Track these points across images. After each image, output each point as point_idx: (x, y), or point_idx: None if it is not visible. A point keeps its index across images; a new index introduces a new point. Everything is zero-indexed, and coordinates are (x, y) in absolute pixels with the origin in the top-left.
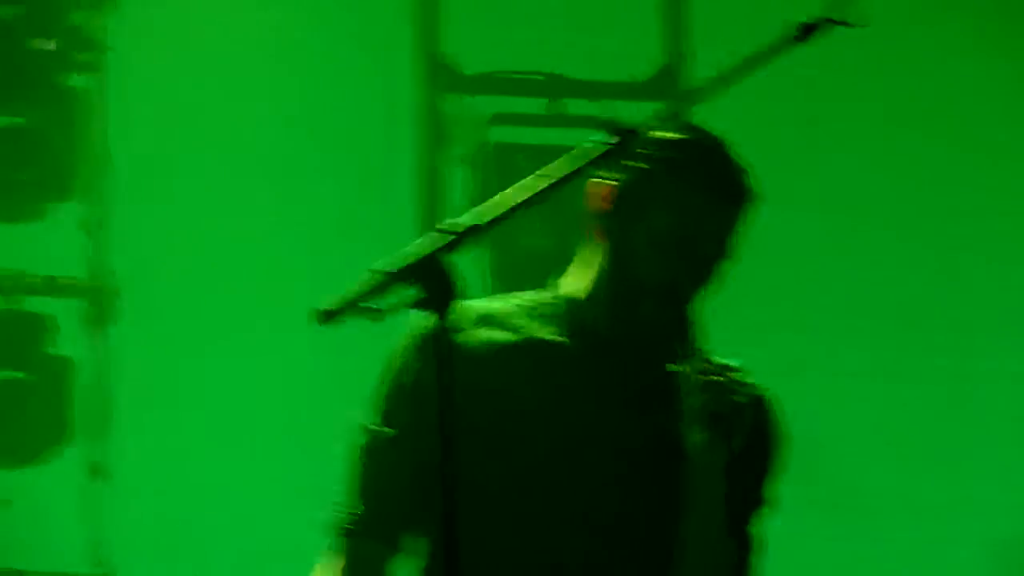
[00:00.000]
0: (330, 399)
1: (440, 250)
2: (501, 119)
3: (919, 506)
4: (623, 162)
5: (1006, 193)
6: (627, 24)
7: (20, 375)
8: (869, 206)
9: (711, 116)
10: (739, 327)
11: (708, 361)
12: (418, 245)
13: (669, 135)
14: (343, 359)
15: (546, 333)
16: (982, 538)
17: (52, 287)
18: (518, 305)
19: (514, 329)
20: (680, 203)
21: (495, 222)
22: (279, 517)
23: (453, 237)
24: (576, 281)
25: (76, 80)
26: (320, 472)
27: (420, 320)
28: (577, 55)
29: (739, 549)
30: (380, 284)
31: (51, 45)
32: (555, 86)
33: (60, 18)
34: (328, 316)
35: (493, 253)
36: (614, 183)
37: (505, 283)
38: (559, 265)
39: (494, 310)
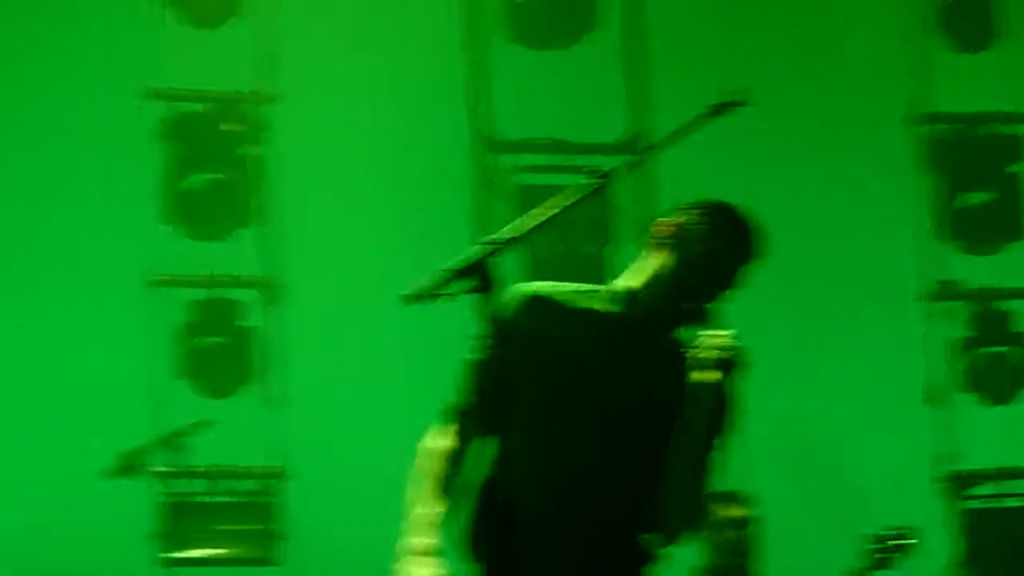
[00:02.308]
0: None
1: (485, 256)
2: (524, 169)
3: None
4: (687, 215)
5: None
6: (606, 105)
7: (220, 339)
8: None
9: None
10: None
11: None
12: (472, 253)
13: (722, 205)
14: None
15: (603, 308)
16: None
17: (238, 282)
18: (589, 291)
19: (580, 303)
20: (725, 247)
21: (518, 237)
22: (406, 428)
23: (493, 247)
24: (631, 279)
25: (252, 149)
26: (427, 395)
27: (520, 287)
28: (573, 125)
29: (708, 470)
30: (447, 278)
31: (236, 127)
32: (559, 147)
33: (241, 109)
34: (412, 299)
35: (528, 255)
36: (679, 222)
37: (537, 276)
38: (568, 265)
39: (570, 289)
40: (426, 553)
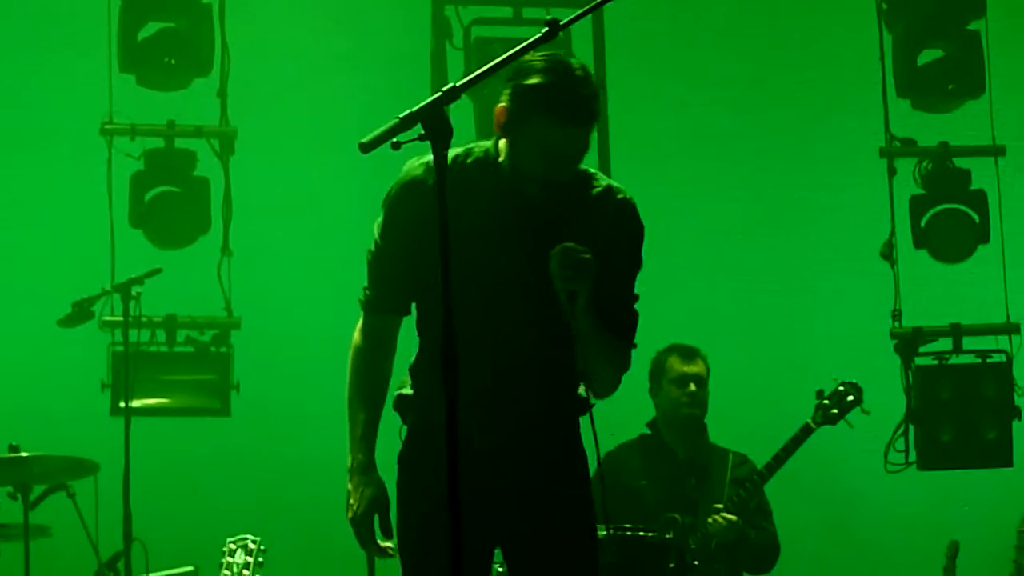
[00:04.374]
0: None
1: (440, 103)
2: (481, 21)
3: None
4: (510, 91)
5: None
6: None
7: (175, 189)
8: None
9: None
10: None
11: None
12: (427, 101)
13: (538, 75)
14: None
15: (490, 180)
16: None
17: (196, 132)
18: (476, 159)
19: (460, 180)
20: (544, 123)
21: (470, 84)
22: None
23: (448, 95)
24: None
25: None
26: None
27: (409, 168)
28: None
29: (628, 308)
30: (401, 126)
31: None
32: None
33: None
34: (366, 147)
35: (475, 107)
36: (502, 107)
37: (483, 128)
38: None
39: (464, 160)
40: (359, 471)
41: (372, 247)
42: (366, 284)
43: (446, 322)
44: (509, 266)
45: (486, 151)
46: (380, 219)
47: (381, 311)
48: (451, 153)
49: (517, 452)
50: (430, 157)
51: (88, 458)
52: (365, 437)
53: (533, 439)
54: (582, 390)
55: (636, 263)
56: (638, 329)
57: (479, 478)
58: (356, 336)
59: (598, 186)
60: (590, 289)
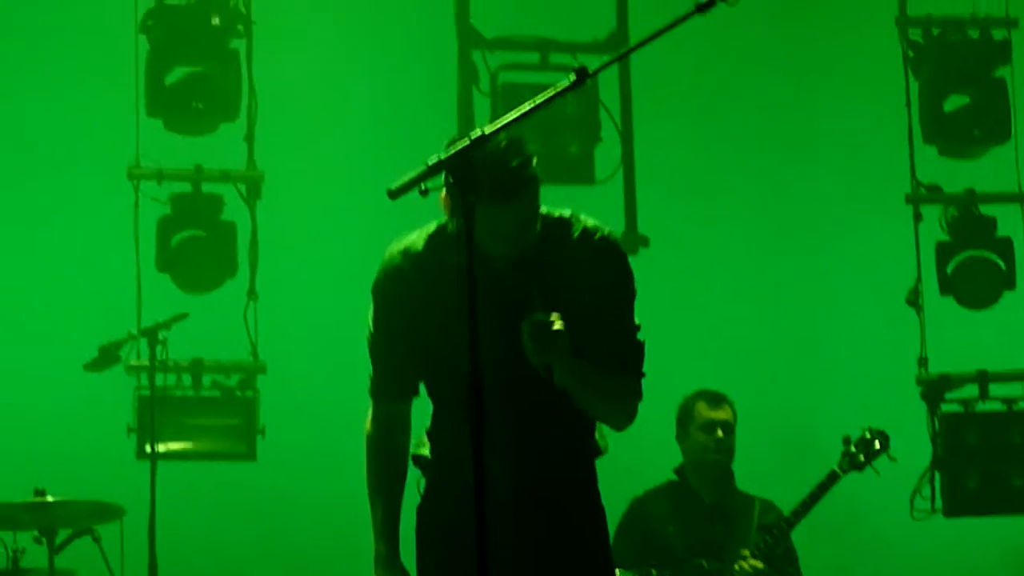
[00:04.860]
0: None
1: (468, 151)
2: (508, 66)
3: None
4: (445, 185)
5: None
6: (591, 3)
7: (202, 233)
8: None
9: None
10: None
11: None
12: (454, 147)
13: (466, 164)
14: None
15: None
16: None
17: (223, 176)
18: (449, 235)
19: (435, 264)
20: (476, 207)
21: (496, 132)
22: None
23: (476, 142)
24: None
25: (233, 43)
26: None
27: (389, 257)
28: (559, 24)
29: (630, 342)
30: (429, 172)
31: (217, 21)
32: (544, 45)
33: (223, 3)
34: (394, 193)
35: None
36: (443, 197)
37: None
38: (554, 164)
39: (437, 240)
40: (383, 565)
41: (368, 336)
42: (371, 372)
43: (473, 365)
44: (492, 338)
45: (449, 231)
46: (371, 308)
47: (388, 399)
48: (425, 232)
49: (530, 504)
50: (409, 240)
51: (114, 502)
52: (386, 526)
53: (545, 491)
54: (598, 432)
55: (628, 295)
56: (664, 373)
57: (495, 530)
58: (367, 425)
59: (575, 231)
60: (565, 360)
